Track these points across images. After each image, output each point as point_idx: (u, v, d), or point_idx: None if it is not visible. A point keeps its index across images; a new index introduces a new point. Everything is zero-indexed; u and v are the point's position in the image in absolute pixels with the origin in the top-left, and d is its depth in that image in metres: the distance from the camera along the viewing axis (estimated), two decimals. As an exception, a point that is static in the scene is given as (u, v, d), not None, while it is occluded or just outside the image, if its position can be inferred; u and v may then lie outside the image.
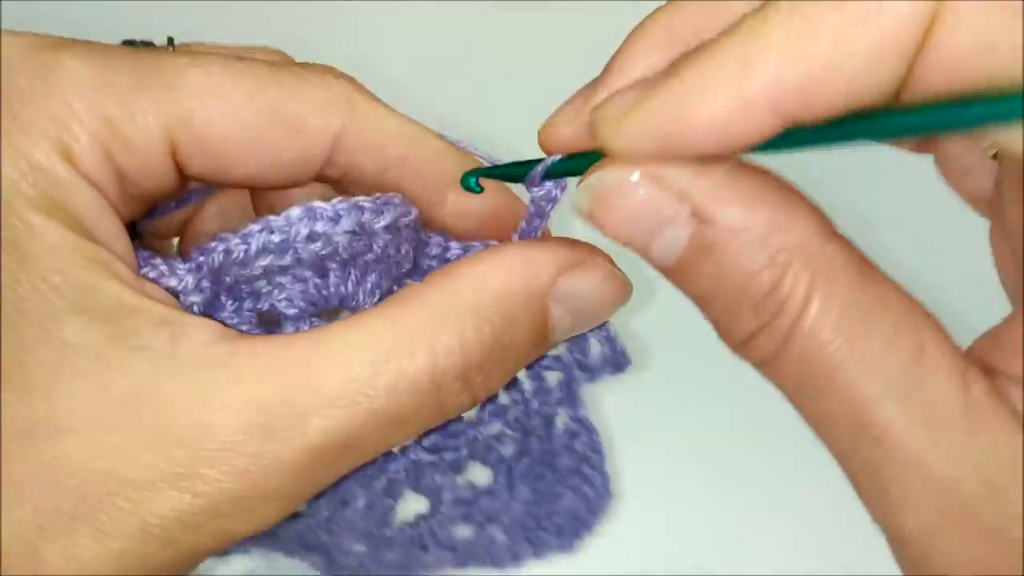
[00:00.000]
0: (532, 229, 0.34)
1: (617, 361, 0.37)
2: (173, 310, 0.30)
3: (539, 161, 0.32)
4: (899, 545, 0.28)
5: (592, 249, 0.33)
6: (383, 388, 0.29)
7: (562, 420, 0.40)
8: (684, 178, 0.27)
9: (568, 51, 0.55)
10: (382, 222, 0.33)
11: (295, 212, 0.32)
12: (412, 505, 0.42)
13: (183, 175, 0.33)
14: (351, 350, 0.29)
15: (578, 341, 0.38)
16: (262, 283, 0.33)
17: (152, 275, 0.32)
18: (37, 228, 0.29)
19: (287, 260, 0.32)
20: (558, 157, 0.31)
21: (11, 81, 0.30)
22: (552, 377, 0.39)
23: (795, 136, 0.26)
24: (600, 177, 0.28)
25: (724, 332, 0.29)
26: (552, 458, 0.42)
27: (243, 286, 0.33)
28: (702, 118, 0.26)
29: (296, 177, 0.34)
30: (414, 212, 0.34)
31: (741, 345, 0.29)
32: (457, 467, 0.42)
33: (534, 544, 0.45)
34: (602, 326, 0.36)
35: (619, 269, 0.33)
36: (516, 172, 0.33)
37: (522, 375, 0.39)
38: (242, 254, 0.32)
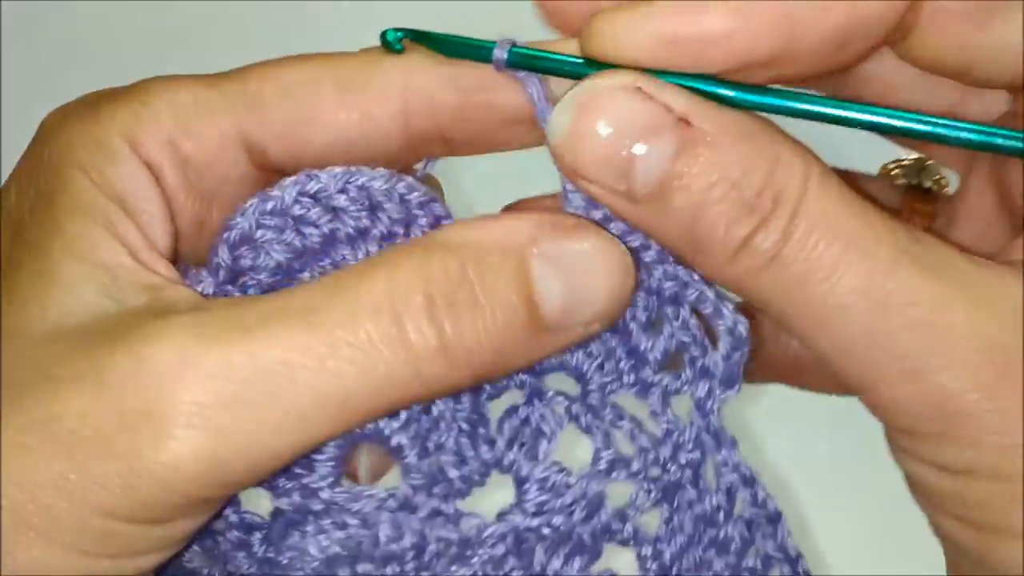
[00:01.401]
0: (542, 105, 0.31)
1: (730, 373, 0.33)
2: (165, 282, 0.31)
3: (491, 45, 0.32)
4: (944, 409, 0.28)
5: (583, 222, 0.31)
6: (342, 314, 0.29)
7: (711, 469, 0.34)
8: (670, 91, 0.28)
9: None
10: (379, 183, 0.32)
11: (287, 179, 0.32)
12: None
13: (261, 168, 0.34)
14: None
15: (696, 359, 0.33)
16: (277, 277, 0.33)
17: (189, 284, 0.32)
18: (68, 180, 0.31)
19: (291, 238, 0.31)
20: (514, 44, 0.32)
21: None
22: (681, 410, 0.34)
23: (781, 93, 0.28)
24: (591, 86, 0.28)
25: (716, 247, 0.28)
26: (715, 530, 0.34)
27: (260, 276, 0.33)
28: (703, 30, 0.27)
29: (375, 138, 0.33)
30: (421, 190, 0.32)
31: (736, 255, 0.28)
32: (589, 550, 0.34)
33: None
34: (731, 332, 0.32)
35: (618, 241, 0.31)
36: (469, 50, 0.32)
37: (633, 407, 0.34)
38: (242, 230, 0.32)
